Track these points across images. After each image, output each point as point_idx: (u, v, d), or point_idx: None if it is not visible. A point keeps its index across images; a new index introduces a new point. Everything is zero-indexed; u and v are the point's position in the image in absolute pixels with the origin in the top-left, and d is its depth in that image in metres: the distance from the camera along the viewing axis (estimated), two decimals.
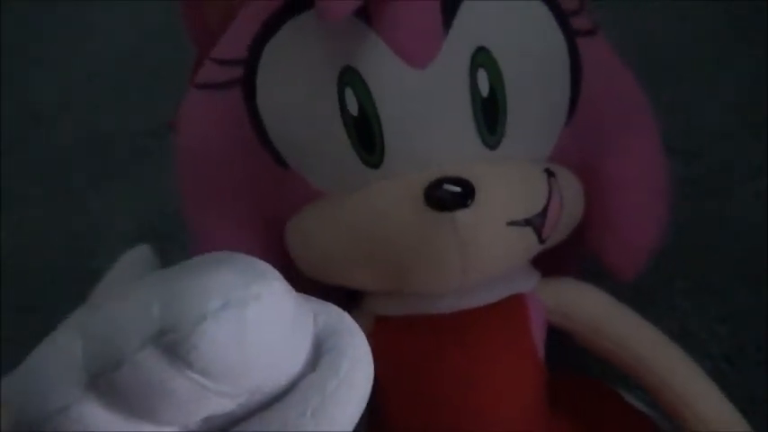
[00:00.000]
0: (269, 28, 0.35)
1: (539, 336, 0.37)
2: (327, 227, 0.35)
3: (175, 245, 0.58)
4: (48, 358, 0.23)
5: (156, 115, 0.68)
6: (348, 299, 0.38)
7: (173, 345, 0.21)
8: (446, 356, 0.35)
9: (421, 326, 0.36)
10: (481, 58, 0.33)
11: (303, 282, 0.36)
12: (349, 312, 0.36)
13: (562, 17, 0.36)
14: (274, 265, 0.37)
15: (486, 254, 0.33)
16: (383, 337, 0.34)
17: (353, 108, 0.33)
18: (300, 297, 0.24)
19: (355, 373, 0.24)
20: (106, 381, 0.22)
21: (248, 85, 0.35)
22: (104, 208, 0.63)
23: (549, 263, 0.38)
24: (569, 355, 0.38)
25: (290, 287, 0.24)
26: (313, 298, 0.25)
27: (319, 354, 0.24)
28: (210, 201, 0.38)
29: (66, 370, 0.22)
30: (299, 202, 0.36)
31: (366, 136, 0.33)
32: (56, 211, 0.64)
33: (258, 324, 0.21)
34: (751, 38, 0.62)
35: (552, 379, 0.37)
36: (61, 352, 0.23)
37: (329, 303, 0.26)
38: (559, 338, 0.38)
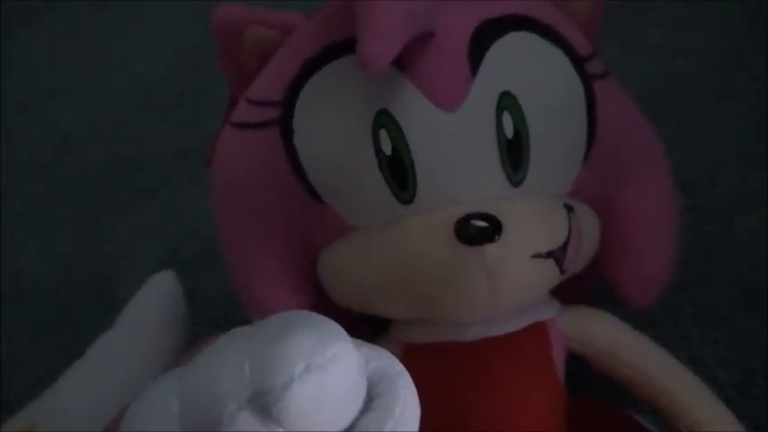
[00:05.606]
0: (306, 71, 0.36)
1: (559, 361, 0.38)
2: (361, 261, 0.36)
3: (198, 270, 0.60)
4: (146, 414, 0.25)
5: (181, 143, 0.70)
6: (376, 325, 0.40)
7: (266, 406, 0.24)
8: (472, 382, 0.37)
9: (448, 353, 0.38)
10: (506, 102, 0.36)
11: (335, 308, 0.38)
12: (377, 339, 0.38)
13: (578, 63, 0.38)
14: (308, 293, 0.38)
15: (513, 285, 0.35)
16: (411, 363, 0.35)
17: (387, 148, 0.35)
18: (355, 344, 0.26)
19: (407, 414, 0.26)
20: None
21: (285, 126, 0.37)
22: (129, 233, 0.65)
23: (563, 291, 0.40)
24: (587, 380, 0.39)
25: (353, 343, 0.26)
26: (364, 342, 0.27)
27: (372, 396, 0.26)
28: (246, 232, 0.39)
29: (164, 425, 0.25)
30: (334, 234, 0.37)
31: (399, 174, 0.35)
32: (81, 235, 0.65)
33: (335, 382, 0.24)
34: (751, 69, 0.63)
35: (570, 402, 0.38)
36: (158, 408, 0.25)
37: (378, 347, 0.28)
38: (577, 363, 0.39)
